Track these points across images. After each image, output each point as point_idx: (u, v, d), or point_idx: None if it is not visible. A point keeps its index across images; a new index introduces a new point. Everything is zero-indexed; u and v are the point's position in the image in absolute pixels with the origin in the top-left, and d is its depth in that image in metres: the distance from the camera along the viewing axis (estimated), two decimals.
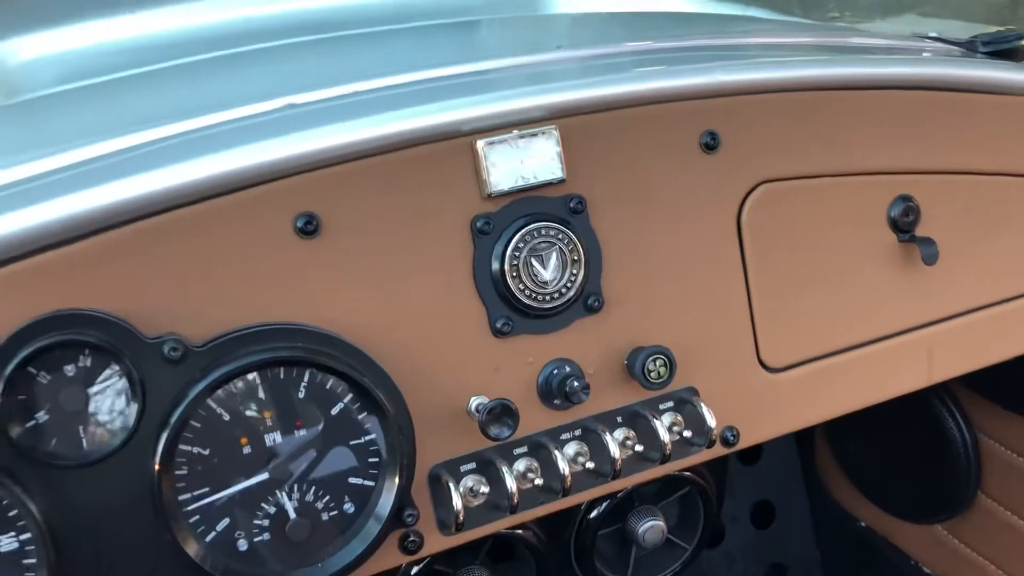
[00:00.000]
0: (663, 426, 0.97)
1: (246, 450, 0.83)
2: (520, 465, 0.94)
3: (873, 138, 1.07)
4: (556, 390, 0.94)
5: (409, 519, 0.89)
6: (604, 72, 1.04)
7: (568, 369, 0.94)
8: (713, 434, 0.98)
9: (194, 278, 0.83)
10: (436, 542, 0.92)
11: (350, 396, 0.86)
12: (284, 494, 0.84)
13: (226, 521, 0.83)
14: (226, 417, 0.83)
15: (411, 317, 0.90)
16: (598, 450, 0.96)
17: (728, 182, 1.01)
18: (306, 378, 0.85)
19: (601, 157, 0.96)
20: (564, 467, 0.92)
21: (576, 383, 0.92)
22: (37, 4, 1.70)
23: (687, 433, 0.99)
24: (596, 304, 0.96)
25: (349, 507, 0.87)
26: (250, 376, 0.83)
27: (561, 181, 0.93)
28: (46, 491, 0.78)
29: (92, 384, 0.79)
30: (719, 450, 1.02)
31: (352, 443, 0.86)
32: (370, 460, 0.87)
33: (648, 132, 0.98)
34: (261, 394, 0.84)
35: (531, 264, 0.92)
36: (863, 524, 1.70)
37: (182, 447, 0.81)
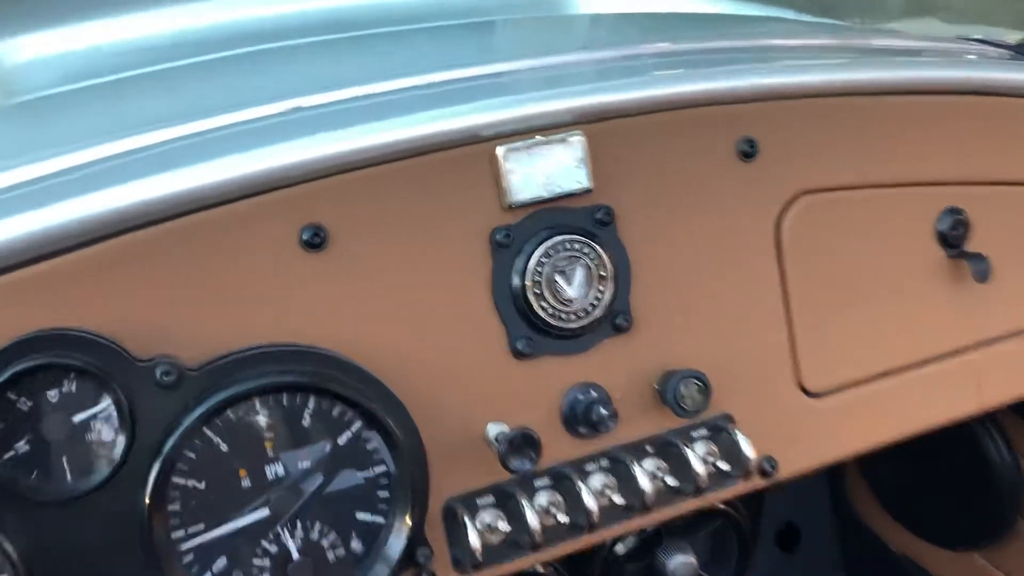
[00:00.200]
0: (697, 456, 0.90)
1: (245, 483, 0.78)
2: (542, 499, 0.87)
3: (920, 146, 1.01)
4: (581, 417, 0.87)
5: (422, 559, 0.83)
6: (632, 74, 0.98)
7: (594, 394, 0.88)
8: (751, 465, 0.91)
9: (190, 295, 0.78)
10: None
11: (359, 424, 0.80)
12: (286, 531, 0.79)
13: (223, 561, 0.77)
14: (224, 447, 0.77)
15: (424, 337, 0.84)
16: (626, 482, 0.89)
17: (766, 192, 0.95)
18: (311, 405, 0.79)
19: (630, 165, 0.90)
20: (590, 501, 0.85)
21: (603, 410, 0.85)
22: (38, 3, 1.65)
23: (722, 464, 0.92)
24: (624, 323, 0.90)
25: (357, 545, 0.81)
26: (250, 403, 0.77)
27: (587, 191, 0.88)
28: (25, 529, 0.73)
29: (77, 411, 0.73)
30: (756, 482, 0.96)
31: (361, 475, 0.80)
32: (380, 494, 0.81)
33: (681, 138, 0.92)
34: (262, 422, 0.78)
35: (554, 280, 0.86)
36: (895, 550, 1.63)
37: (175, 480, 0.76)
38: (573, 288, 0.87)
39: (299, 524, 0.79)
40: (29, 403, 0.72)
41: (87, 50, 1.45)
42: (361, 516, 0.81)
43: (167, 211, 0.76)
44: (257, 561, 0.78)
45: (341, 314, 0.82)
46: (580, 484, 0.87)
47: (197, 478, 0.76)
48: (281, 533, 0.78)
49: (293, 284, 0.80)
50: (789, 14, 1.71)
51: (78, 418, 0.73)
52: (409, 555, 0.81)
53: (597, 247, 0.87)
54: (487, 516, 0.86)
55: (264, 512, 0.78)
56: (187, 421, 0.75)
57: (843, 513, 1.75)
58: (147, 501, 0.73)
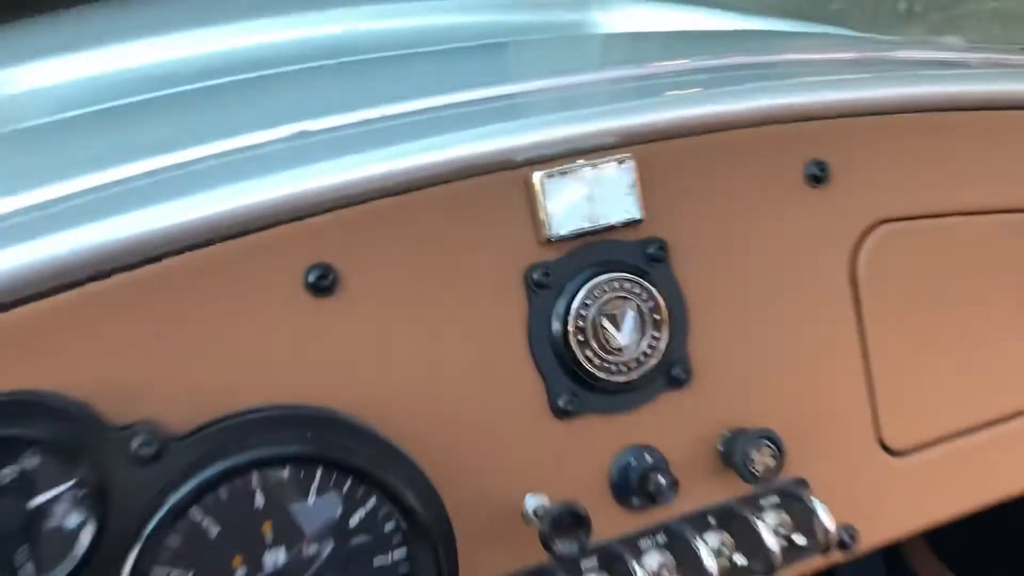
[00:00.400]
0: (768, 528, 0.78)
1: (239, 573, 0.66)
2: None
3: (1013, 169, 0.90)
4: (635, 486, 0.75)
5: None
6: (681, 89, 0.87)
7: (650, 459, 0.76)
8: (830, 537, 0.79)
9: (176, 348, 0.67)
10: None
11: (373, 500, 0.68)
12: None
13: None
14: (214, 531, 0.65)
15: (450, 396, 0.74)
16: (687, 561, 0.77)
17: (840, 222, 0.84)
18: (317, 479, 0.67)
19: (685, 192, 0.80)
20: None
21: (663, 479, 0.73)
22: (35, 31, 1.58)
23: (797, 536, 0.80)
24: (682, 375, 0.78)
25: None
26: (247, 477, 0.66)
27: (637, 222, 0.77)
28: None
29: (35, 494, 0.61)
30: (835, 556, 0.83)
31: (376, 563, 0.68)
32: None
33: (742, 162, 0.81)
34: (259, 501, 0.66)
35: (601, 325, 0.75)
36: None
37: (156, 569, 0.64)
38: (624, 335, 0.75)
39: None
40: None
41: (78, 81, 1.37)
42: None
43: (149, 251, 0.67)
44: None
45: (353, 370, 0.71)
46: (635, 565, 0.74)
47: (183, 567, 0.64)
48: None
49: (297, 335, 0.70)
50: (831, 29, 1.61)
51: (35, 502, 0.61)
52: None
53: (650, 287, 0.76)
54: None
55: None
56: (170, 501, 0.63)
57: (892, 561, 1.62)
58: None
